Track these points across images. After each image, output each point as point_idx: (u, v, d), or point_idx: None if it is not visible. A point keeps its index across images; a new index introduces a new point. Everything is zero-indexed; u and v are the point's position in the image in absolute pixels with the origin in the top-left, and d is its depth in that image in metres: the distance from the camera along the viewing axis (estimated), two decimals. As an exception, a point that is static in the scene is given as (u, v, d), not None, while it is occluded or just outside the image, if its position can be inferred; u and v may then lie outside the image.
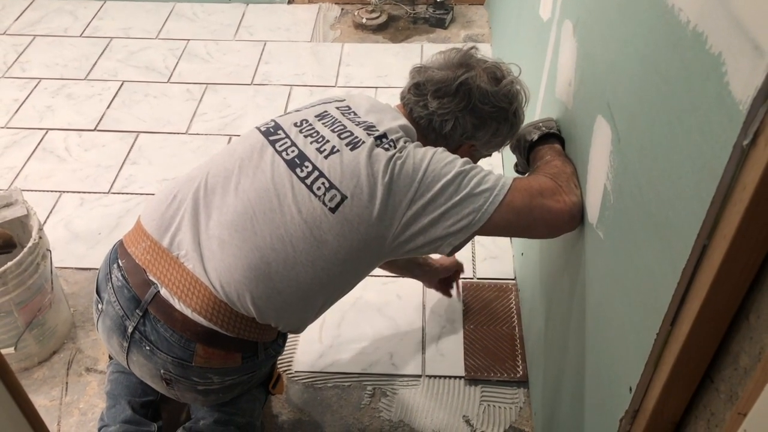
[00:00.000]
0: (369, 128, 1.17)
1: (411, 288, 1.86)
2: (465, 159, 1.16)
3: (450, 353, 1.71)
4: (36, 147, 2.31)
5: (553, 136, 1.27)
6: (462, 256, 1.93)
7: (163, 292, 1.14)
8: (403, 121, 1.23)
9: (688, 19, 0.70)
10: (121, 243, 1.24)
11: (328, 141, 1.16)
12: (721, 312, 0.68)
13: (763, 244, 0.61)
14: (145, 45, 2.80)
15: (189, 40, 2.83)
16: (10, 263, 1.48)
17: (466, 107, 1.23)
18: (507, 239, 1.98)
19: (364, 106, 1.25)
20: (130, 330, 1.17)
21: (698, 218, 0.66)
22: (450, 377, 1.66)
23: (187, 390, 1.21)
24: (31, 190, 2.13)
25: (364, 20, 2.85)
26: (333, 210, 1.11)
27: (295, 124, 1.21)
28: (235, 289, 1.12)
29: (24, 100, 2.51)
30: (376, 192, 1.10)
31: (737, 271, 0.64)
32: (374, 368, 1.68)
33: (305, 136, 1.18)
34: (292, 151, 1.17)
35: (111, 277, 1.20)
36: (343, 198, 1.11)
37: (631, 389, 0.86)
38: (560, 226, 1.15)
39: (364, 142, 1.14)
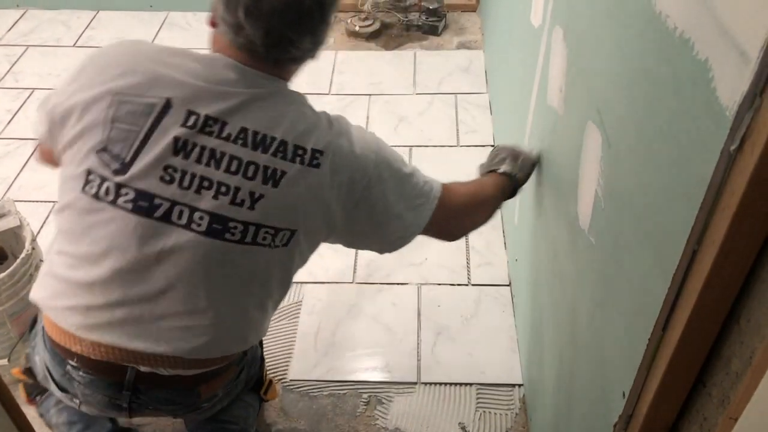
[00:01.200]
0: (271, 147, 1.00)
1: (406, 295, 1.86)
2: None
3: (445, 360, 1.70)
4: (29, 157, 2.31)
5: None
6: (456, 262, 1.94)
7: (143, 368, 1.04)
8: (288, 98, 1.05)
9: (675, 25, 0.70)
10: (54, 343, 1.05)
11: (236, 188, 0.98)
12: (712, 317, 0.68)
13: (752, 248, 0.62)
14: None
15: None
16: (2, 274, 1.47)
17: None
18: (502, 246, 1.98)
19: (228, 103, 0.99)
20: (125, 405, 1.09)
21: (687, 223, 0.67)
22: (445, 384, 1.66)
23: (193, 415, 1.20)
24: (25, 201, 2.13)
25: (357, 28, 2.86)
26: (286, 244, 1.04)
27: (168, 181, 0.97)
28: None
29: (17, 111, 2.51)
30: (325, 214, 1.06)
31: (727, 275, 0.64)
32: (370, 376, 1.68)
33: (198, 192, 0.97)
34: (201, 218, 0.98)
35: (72, 376, 1.06)
36: (293, 232, 1.04)
37: (624, 394, 0.86)
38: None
39: (284, 171, 0.99)
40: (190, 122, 0.97)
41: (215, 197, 0.97)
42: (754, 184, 0.56)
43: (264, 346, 1.73)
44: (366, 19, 2.89)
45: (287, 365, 1.70)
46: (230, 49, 1.01)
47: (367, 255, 1.96)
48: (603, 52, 0.98)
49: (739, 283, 0.65)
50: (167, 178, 0.96)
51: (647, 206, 0.79)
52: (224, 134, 0.98)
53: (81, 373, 1.05)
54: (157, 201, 0.97)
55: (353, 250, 1.97)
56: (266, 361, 1.70)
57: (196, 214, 0.97)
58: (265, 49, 0.99)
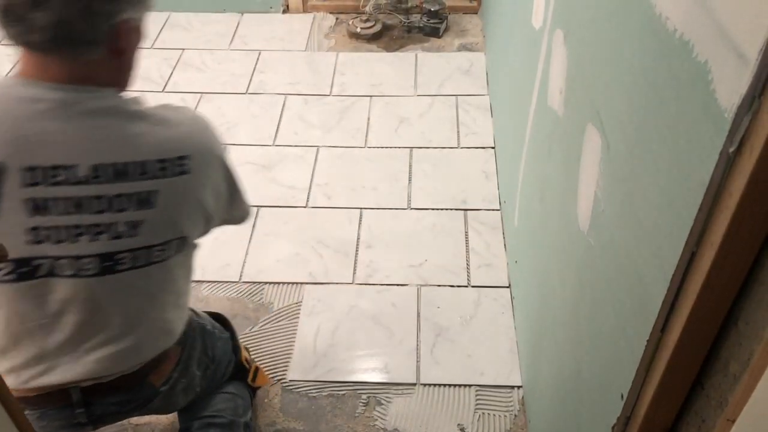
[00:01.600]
0: (133, 172, 0.95)
1: (406, 296, 1.86)
2: None
3: (445, 361, 1.70)
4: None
5: None
6: (456, 263, 1.94)
7: (86, 384, 1.07)
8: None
9: (675, 27, 0.70)
10: None
11: (111, 224, 0.96)
12: (711, 319, 0.68)
13: (751, 250, 0.62)
14: (140, 55, 2.80)
15: (184, 49, 2.83)
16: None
17: None
18: (502, 247, 1.98)
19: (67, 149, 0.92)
20: (84, 420, 1.12)
21: (686, 225, 0.67)
22: (445, 385, 1.66)
23: (162, 403, 1.21)
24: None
25: (358, 29, 2.87)
26: (180, 250, 1.06)
27: (39, 242, 0.94)
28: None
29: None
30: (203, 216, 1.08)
31: (726, 277, 0.64)
32: (369, 376, 1.68)
33: (74, 241, 0.95)
34: (88, 263, 0.97)
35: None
36: (182, 238, 1.05)
37: (622, 396, 0.86)
38: None
39: (155, 190, 0.97)
40: (35, 179, 0.91)
41: (93, 240, 0.95)
42: (753, 186, 0.57)
43: (263, 346, 1.74)
44: (367, 20, 2.89)
45: (287, 365, 1.70)
46: (37, 68, 0.92)
47: (367, 256, 1.97)
48: (603, 54, 0.98)
49: (738, 284, 0.65)
50: (37, 239, 0.94)
51: (646, 208, 0.79)
52: (78, 178, 0.92)
53: (28, 411, 1.07)
54: (36, 262, 0.95)
55: (353, 251, 1.98)
56: (264, 360, 1.71)
57: (82, 261, 0.96)
58: (59, 38, 0.89)
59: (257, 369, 1.37)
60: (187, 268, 1.14)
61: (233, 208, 1.16)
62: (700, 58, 0.64)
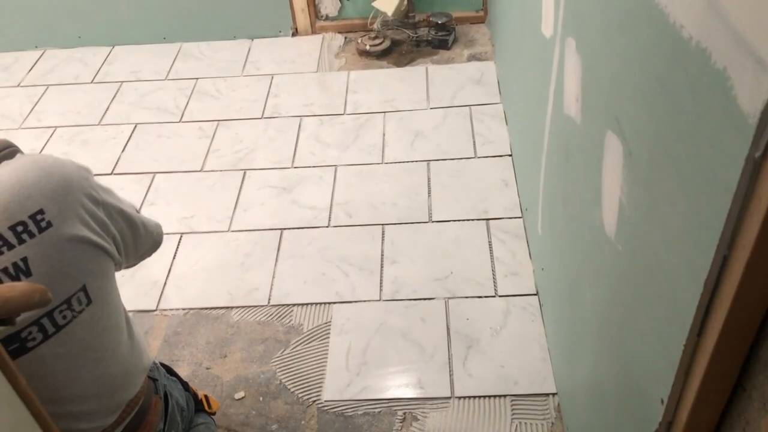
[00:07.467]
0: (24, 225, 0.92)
1: (434, 310, 1.87)
2: None
3: (478, 373, 1.71)
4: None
5: None
6: (482, 274, 1.94)
7: None
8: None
9: (690, 35, 0.71)
10: None
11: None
12: (748, 320, 0.69)
13: (784, 251, 0.62)
14: (155, 87, 2.85)
15: (198, 78, 2.88)
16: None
17: None
18: (527, 255, 1.98)
19: None
20: None
21: (716, 230, 0.67)
22: (480, 397, 1.66)
23: None
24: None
25: (367, 47, 2.89)
26: (90, 301, 1.01)
27: None
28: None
29: (41, 150, 2.56)
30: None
31: (760, 278, 0.65)
32: (403, 393, 1.69)
33: None
34: (36, 336, 0.94)
35: None
36: (82, 287, 0.99)
37: (662, 401, 0.86)
38: None
39: (24, 257, 0.92)
40: None
41: None
42: (782, 190, 0.57)
43: (296, 367, 1.75)
44: (376, 37, 2.92)
45: (320, 386, 1.71)
46: None
47: (392, 272, 1.98)
48: (617, 62, 0.99)
49: (773, 286, 0.65)
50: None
51: (673, 213, 0.79)
52: None
53: None
54: None
55: (378, 268, 1.99)
56: (298, 382, 1.72)
57: None
58: None
59: (206, 396, 1.39)
60: (114, 308, 1.06)
61: (133, 225, 1.10)
62: (719, 65, 0.65)
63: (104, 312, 1.04)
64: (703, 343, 0.75)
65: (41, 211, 0.93)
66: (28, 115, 2.75)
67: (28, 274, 0.92)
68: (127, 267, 1.16)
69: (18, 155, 1.01)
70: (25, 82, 2.96)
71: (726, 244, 0.67)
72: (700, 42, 0.69)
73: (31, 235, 0.92)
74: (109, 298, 1.06)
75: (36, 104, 2.81)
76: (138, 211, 1.17)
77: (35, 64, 3.06)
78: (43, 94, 2.87)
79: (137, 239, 1.13)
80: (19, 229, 0.91)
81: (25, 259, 0.91)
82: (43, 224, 0.93)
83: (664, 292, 0.85)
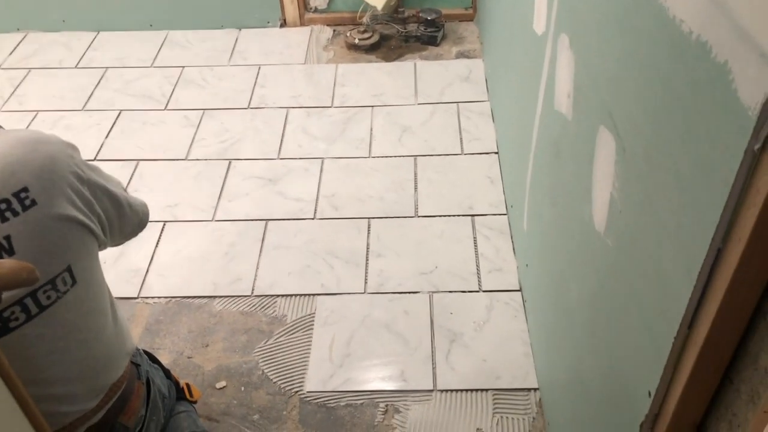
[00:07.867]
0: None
1: (418, 303, 1.87)
2: None
3: (460, 366, 1.71)
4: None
5: None
6: (466, 269, 1.95)
7: None
8: None
9: (690, 29, 0.72)
10: None
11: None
12: (739, 313, 0.70)
13: (778, 245, 0.63)
14: (141, 74, 2.82)
15: (184, 67, 2.85)
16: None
17: None
18: (511, 252, 1.99)
19: None
20: None
21: (712, 223, 0.68)
22: (462, 390, 1.67)
23: None
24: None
25: (356, 41, 2.89)
26: (75, 281, 0.99)
27: None
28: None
29: (22, 133, 2.52)
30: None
31: (753, 271, 0.65)
32: (386, 385, 1.69)
33: None
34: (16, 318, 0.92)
35: None
36: (67, 267, 0.97)
37: (650, 394, 0.87)
38: None
39: (7, 235, 0.90)
40: None
41: None
42: (780, 182, 0.58)
43: (279, 358, 1.74)
44: (365, 32, 2.91)
45: (303, 377, 1.71)
46: None
47: (377, 265, 1.98)
48: (613, 57, 0.99)
49: (766, 278, 0.66)
50: None
51: (668, 208, 0.80)
52: None
53: None
54: None
55: (363, 261, 1.99)
56: (280, 373, 1.71)
57: None
58: None
59: (188, 384, 1.39)
60: (97, 288, 1.05)
61: (118, 204, 1.09)
62: (719, 58, 0.65)
63: (89, 293, 1.03)
64: (693, 336, 0.76)
65: (25, 189, 0.91)
66: (8, 98, 2.70)
67: (11, 252, 0.90)
68: (112, 246, 1.15)
69: (1, 131, 0.99)
70: (6, 64, 2.90)
71: (721, 236, 0.67)
72: (700, 36, 0.70)
73: (15, 213, 0.90)
74: (94, 279, 1.05)
75: (17, 87, 2.76)
76: (125, 190, 1.15)
77: (17, 46, 3.01)
78: (25, 77, 2.82)
79: (122, 218, 1.11)
80: (2, 206, 0.89)
81: (8, 237, 0.90)
82: (27, 202, 0.91)
83: (655, 286, 0.86)
